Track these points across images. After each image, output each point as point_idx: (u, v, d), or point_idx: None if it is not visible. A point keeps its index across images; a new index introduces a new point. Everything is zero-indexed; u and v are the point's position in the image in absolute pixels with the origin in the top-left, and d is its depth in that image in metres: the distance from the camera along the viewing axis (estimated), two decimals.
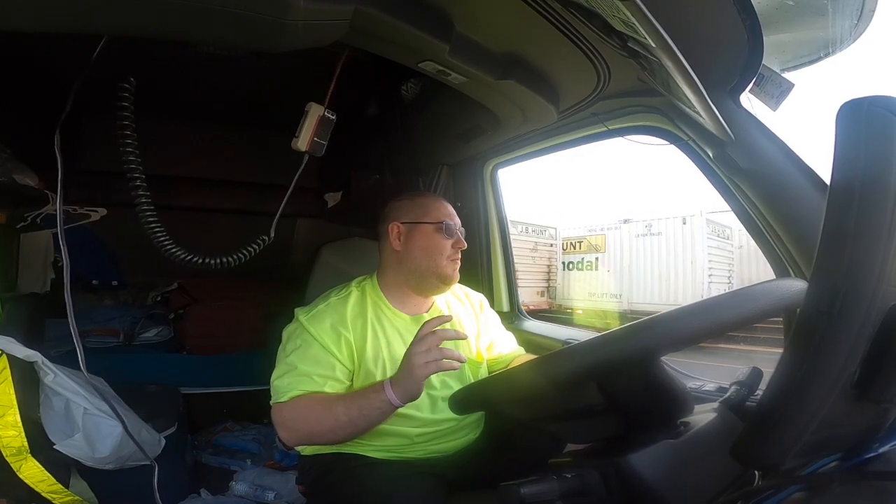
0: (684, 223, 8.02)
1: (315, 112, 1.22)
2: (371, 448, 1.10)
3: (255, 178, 2.28)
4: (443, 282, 1.17)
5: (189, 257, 1.20)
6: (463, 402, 0.77)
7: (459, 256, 1.20)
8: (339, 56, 1.22)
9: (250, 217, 1.92)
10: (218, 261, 1.25)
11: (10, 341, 1.26)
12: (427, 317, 1.20)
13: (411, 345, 0.94)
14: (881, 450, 0.55)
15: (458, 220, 1.21)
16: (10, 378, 1.24)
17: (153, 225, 1.16)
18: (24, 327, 1.81)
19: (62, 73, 1.19)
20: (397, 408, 0.96)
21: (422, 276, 1.16)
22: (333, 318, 1.10)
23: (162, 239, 1.17)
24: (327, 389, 1.04)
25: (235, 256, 1.27)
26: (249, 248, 1.28)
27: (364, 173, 2.01)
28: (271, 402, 1.06)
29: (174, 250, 1.18)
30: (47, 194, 1.58)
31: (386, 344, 1.13)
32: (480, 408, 0.97)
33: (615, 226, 8.98)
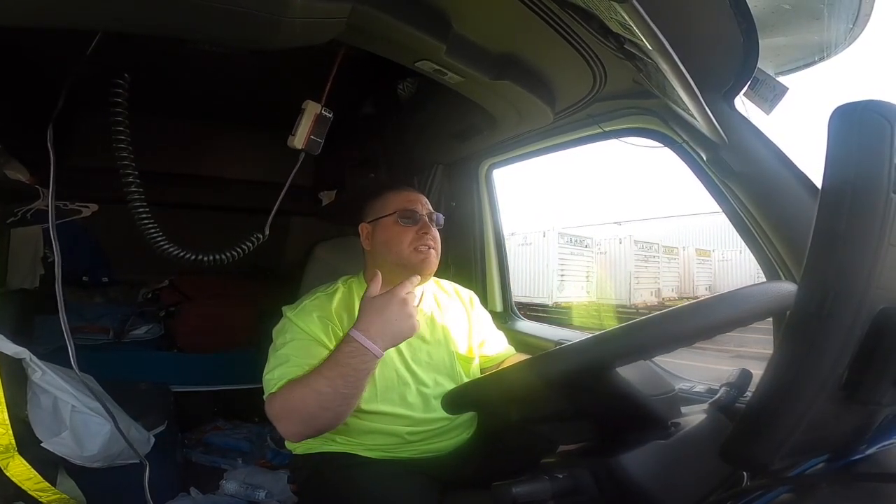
0: (544, 236, 9.99)
1: (312, 110, 1.21)
2: (363, 447, 1.10)
3: (250, 176, 2.27)
4: (414, 271, 1.12)
5: (182, 254, 1.19)
6: (455, 401, 0.77)
7: (431, 243, 1.15)
8: (336, 54, 1.21)
9: (245, 215, 1.91)
10: (211, 258, 1.24)
11: None
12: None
13: (398, 294, 0.96)
14: (868, 451, 0.55)
15: (423, 207, 1.19)
16: None
17: (146, 221, 1.15)
18: (12, 324, 1.80)
19: (56, 68, 1.18)
20: (375, 354, 0.93)
21: (391, 271, 1.14)
22: (320, 312, 1.11)
23: (155, 235, 1.16)
24: None
25: (229, 254, 1.25)
26: (243, 246, 1.27)
27: (359, 172, 2.00)
28: (264, 397, 1.04)
29: (167, 247, 1.17)
30: (38, 190, 1.57)
31: None
32: (473, 408, 0.97)
33: (507, 237, 10.96)
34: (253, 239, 1.27)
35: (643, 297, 10.50)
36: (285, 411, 0.96)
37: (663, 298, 10.97)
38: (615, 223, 16.22)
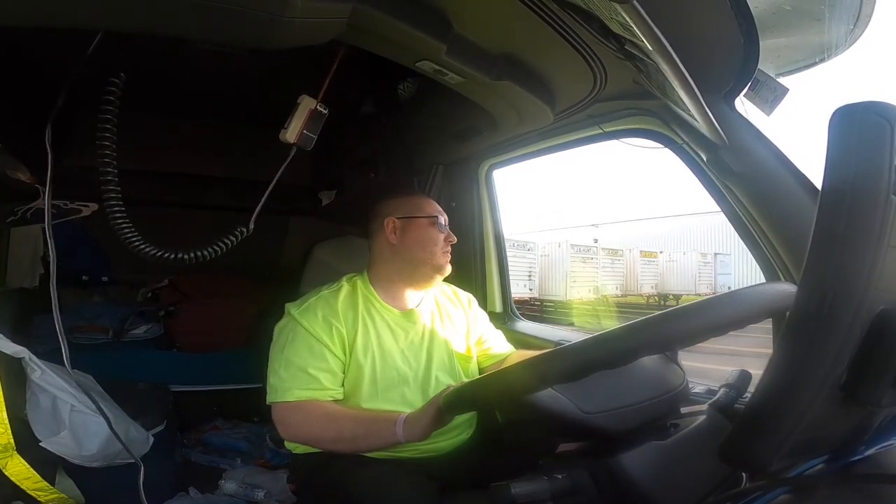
0: None
1: (307, 104, 1.20)
2: None
3: (247, 175, 2.26)
4: (437, 271, 1.21)
5: (159, 253, 1.15)
6: (454, 402, 0.77)
7: (450, 251, 1.24)
8: (336, 53, 1.21)
9: (244, 214, 1.91)
10: (192, 255, 1.19)
11: None
12: (417, 312, 1.22)
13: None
14: (867, 452, 0.55)
15: (446, 220, 1.26)
16: None
17: (120, 220, 1.10)
18: (11, 323, 1.79)
19: (56, 68, 1.17)
20: (400, 443, 0.94)
21: (416, 267, 1.20)
22: (325, 311, 1.11)
23: (129, 235, 1.11)
24: (324, 381, 1.06)
25: (210, 250, 1.19)
26: (225, 241, 1.21)
27: (359, 172, 2.00)
28: (269, 401, 1.06)
29: (143, 246, 1.13)
30: (38, 189, 1.56)
31: (376, 337, 1.14)
32: (471, 408, 0.97)
33: None
34: (236, 233, 1.23)
35: (580, 293, 11.77)
36: (299, 426, 1.05)
37: (603, 295, 12.23)
38: (592, 225, 17.93)
